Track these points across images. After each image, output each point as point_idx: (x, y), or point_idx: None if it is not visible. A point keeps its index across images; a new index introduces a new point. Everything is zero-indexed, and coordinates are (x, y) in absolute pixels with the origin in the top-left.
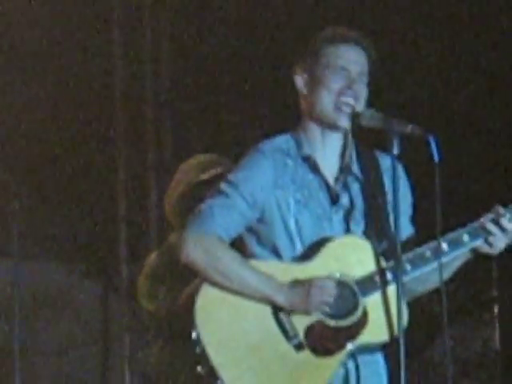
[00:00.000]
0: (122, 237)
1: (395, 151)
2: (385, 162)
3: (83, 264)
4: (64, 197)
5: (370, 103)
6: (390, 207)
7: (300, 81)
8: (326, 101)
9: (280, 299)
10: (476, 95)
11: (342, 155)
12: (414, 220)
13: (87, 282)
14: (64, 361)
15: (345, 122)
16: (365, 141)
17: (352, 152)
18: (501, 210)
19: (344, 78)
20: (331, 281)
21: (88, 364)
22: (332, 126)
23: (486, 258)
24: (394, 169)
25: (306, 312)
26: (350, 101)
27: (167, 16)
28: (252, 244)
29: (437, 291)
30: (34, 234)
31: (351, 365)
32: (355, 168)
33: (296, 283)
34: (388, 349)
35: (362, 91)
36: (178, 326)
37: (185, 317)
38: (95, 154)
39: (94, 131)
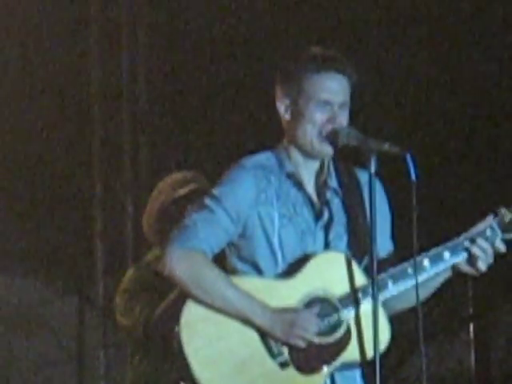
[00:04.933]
0: (98, 252)
1: (372, 169)
2: (363, 177)
3: (59, 279)
4: (40, 212)
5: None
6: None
7: (282, 106)
8: (309, 133)
9: (260, 322)
10: (456, 112)
11: (318, 173)
12: (394, 236)
13: (63, 298)
14: (39, 377)
15: (330, 151)
16: (344, 157)
17: (331, 168)
18: (482, 226)
19: (327, 111)
20: (316, 319)
21: (63, 381)
22: (315, 155)
23: (462, 276)
24: (370, 186)
25: (285, 343)
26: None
27: (144, 32)
28: (233, 259)
29: (412, 309)
30: (8, 249)
31: (328, 381)
32: (334, 183)
33: (280, 311)
34: (364, 366)
35: (344, 122)
36: (154, 341)
37: (160, 332)
38: (71, 169)
39: (70, 147)
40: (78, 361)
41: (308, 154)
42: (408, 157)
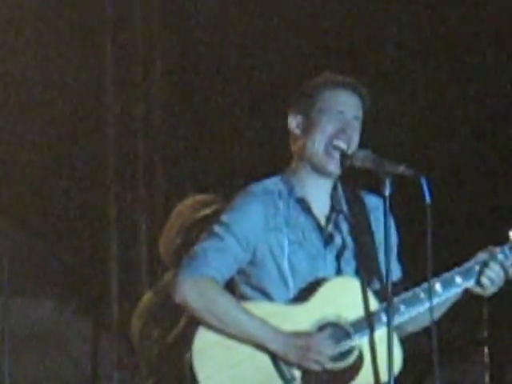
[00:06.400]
0: (113, 275)
1: (387, 191)
2: (370, 201)
3: (74, 302)
4: (55, 234)
5: (361, 144)
6: (378, 247)
7: (293, 122)
8: (318, 143)
9: (274, 347)
10: (468, 137)
11: (332, 195)
12: (403, 261)
13: (78, 320)
14: None
15: (334, 168)
16: (351, 181)
17: (340, 192)
18: (494, 250)
19: (339, 121)
20: (330, 343)
21: None
22: (322, 171)
23: (477, 299)
24: (385, 209)
25: (299, 366)
26: (342, 145)
27: (160, 55)
28: (242, 286)
29: (426, 332)
30: (24, 271)
31: None
32: (344, 208)
33: (294, 335)
34: None
35: (355, 136)
36: (168, 366)
37: (173, 358)
38: (86, 192)
39: (85, 169)
40: (93, 383)
41: (317, 171)
42: (423, 180)
